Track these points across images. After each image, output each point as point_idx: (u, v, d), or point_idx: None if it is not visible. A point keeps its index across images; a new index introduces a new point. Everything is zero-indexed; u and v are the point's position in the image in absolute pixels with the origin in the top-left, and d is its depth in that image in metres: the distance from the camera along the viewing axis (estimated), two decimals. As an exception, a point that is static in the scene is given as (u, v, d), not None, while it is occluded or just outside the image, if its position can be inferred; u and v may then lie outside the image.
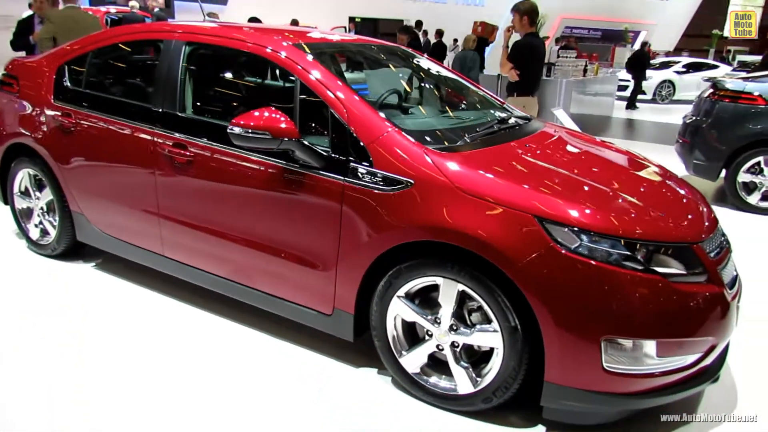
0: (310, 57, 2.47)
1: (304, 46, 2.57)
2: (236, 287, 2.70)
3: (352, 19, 22.22)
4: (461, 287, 2.07)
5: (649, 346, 1.92)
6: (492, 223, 1.97)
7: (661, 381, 1.99)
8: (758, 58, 16.62)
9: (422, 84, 3.01)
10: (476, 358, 2.20)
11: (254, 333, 2.75)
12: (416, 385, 2.27)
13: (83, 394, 2.26)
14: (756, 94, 5.00)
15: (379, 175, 2.17)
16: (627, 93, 14.49)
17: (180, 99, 2.70)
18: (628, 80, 14.70)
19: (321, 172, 2.27)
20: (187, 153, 2.62)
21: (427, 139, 2.27)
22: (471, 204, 2.01)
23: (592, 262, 1.88)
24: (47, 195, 3.37)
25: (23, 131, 3.31)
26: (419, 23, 15.86)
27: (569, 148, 2.73)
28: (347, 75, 2.65)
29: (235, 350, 2.61)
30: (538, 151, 2.50)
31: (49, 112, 3.18)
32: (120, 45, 3.12)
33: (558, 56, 10.38)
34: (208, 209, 2.65)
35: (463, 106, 2.99)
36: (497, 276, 1.98)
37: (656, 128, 10.82)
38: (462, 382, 2.16)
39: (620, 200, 2.14)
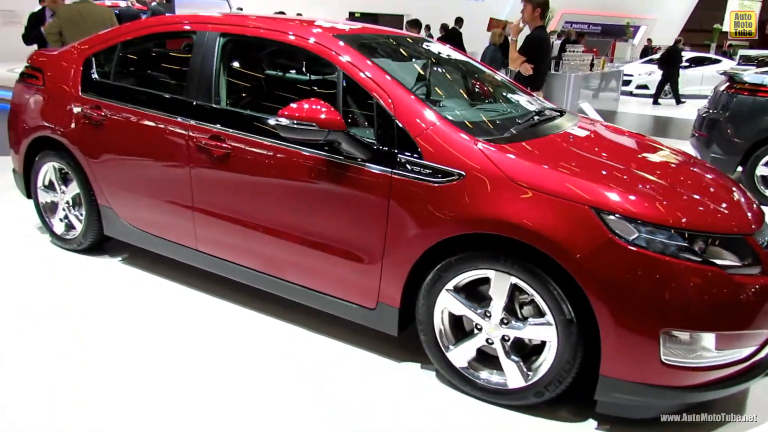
0: (352, 48, 2.44)
1: (346, 37, 2.54)
2: (272, 281, 2.67)
3: (352, 14, 22.15)
4: (514, 280, 2.05)
5: (708, 338, 1.90)
6: (548, 215, 1.95)
7: (717, 374, 1.98)
8: (762, 51, 16.65)
9: (457, 76, 2.98)
10: (526, 352, 2.18)
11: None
12: (464, 380, 2.25)
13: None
14: (774, 87, 4.99)
15: (428, 167, 2.14)
16: (629, 88, 14.52)
17: (218, 91, 2.67)
18: (631, 75, 14.72)
19: (367, 164, 2.24)
20: (226, 145, 2.58)
21: (475, 130, 2.24)
22: (525, 196, 1.99)
23: (651, 254, 1.86)
24: (74, 189, 3.32)
25: (49, 124, 3.26)
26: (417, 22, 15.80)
27: (610, 140, 2.71)
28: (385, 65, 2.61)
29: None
30: (583, 143, 2.48)
31: (76, 105, 3.14)
32: (151, 37, 3.07)
33: (564, 50, 10.39)
34: (246, 202, 2.61)
35: (497, 98, 2.96)
36: (552, 268, 1.97)
37: (665, 123, 10.82)
38: (512, 376, 2.15)
39: (674, 192, 2.12)
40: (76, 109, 3.13)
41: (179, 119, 2.74)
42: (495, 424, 2.14)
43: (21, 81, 3.51)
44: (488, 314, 2.15)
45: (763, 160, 5.06)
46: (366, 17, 22.42)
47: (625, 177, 2.13)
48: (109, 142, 3.05)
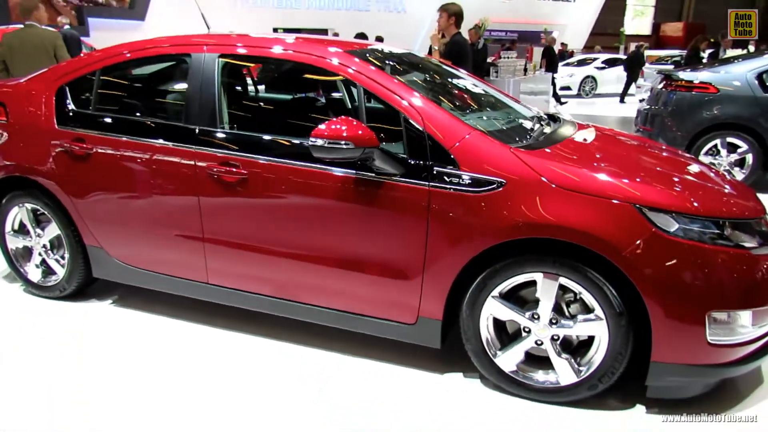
0: (372, 66, 2.43)
1: (361, 53, 2.52)
2: (296, 306, 2.59)
3: (276, 30, 21.98)
4: (562, 280, 2.10)
5: (746, 315, 2.04)
6: (593, 215, 2.02)
7: (751, 348, 2.12)
8: (662, 52, 18.15)
9: (460, 86, 3.03)
10: (572, 349, 2.24)
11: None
12: (514, 383, 2.28)
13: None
14: (708, 82, 5.45)
15: (466, 177, 2.16)
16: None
17: (225, 116, 2.56)
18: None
19: (402, 178, 2.24)
20: (242, 171, 2.48)
21: (504, 138, 2.30)
22: (569, 198, 2.06)
23: (690, 242, 1.99)
24: (53, 230, 3.06)
25: (20, 163, 2.99)
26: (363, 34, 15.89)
27: (618, 141, 2.85)
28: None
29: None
30: (598, 146, 2.60)
31: (53, 140, 2.90)
32: (136, 61, 2.89)
33: (500, 57, 10.85)
34: (268, 228, 2.52)
35: (497, 106, 3.04)
36: (598, 265, 2.04)
37: (602, 120, 11.52)
38: (564, 373, 2.20)
39: (695, 184, 2.27)
40: (53, 144, 2.89)
41: (183, 147, 2.60)
42: (594, 411, 2.22)
43: (-22, 118, 3.20)
44: (536, 316, 2.19)
45: (704, 150, 5.50)
46: (289, 32, 22.21)
47: (651, 174, 2.26)
48: (96, 177, 2.84)
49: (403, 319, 2.39)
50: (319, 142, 2.15)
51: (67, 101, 2.93)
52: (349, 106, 2.36)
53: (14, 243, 3.20)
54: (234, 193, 2.53)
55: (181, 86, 2.75)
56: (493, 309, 2.24)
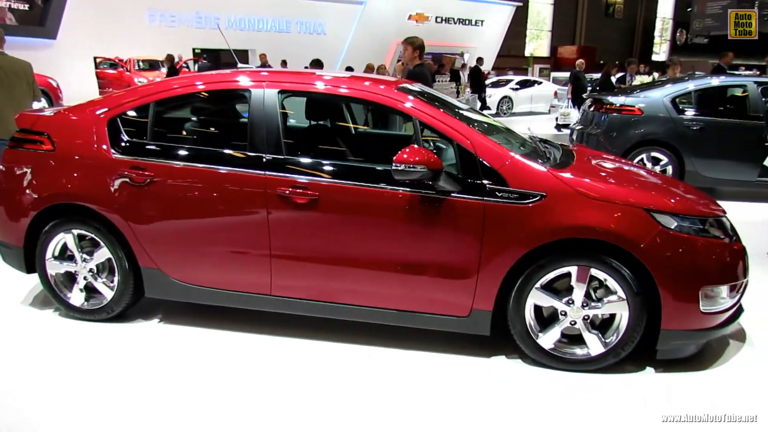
0: (422, 100, 2.90)
1: (414, 91, 2.98)
2: (359, 310, 2.96)
3: (195, 51, 21.63)
4: (593, 271, 2.67)
5: (725, 289, 2.71)
6: (617, 218, 2.62)
7: (725, 315, 2.79)
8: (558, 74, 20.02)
9: (480, 118, 3.52)
10: (597, 326, 2.81)
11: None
12: (553, 358, 2.81)
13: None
14: (633, 105, 6.44)
15: (515, 192, 2.68)
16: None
17: (294, 144, 2.90)
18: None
19: (461, 195, 2.71)
20: (312, 192, 2.82)
21: (536, 159, 2.85)
22: (596, 206, 2.64)
23: (685, 236, 2.63)
24: (102, 255, 3.19)
25: (70, 191, 3.12)
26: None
27: (606, 160, 3.47)
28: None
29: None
30: (598, 164, 3.23)
31: (109, 167, 3.07)
32: (192, 95, 3.15)
33: (434, 80, 11.63)
34: (337, 242, 2.86)
35: (499, 131, 3.55)
36: (618, 257, 2.63)
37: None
38: (594, 345, 2.76)
39: (678, 192, 2.94)
40: (110, 172, 3.06)
41: (253, 172, 2.89)
42: (613, 375, 2.70)
43: (15, 147, 3.27)
44: (571, 301, 2.74)
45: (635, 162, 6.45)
46: (207, 52, 21.96)
47: (646, 185, 2.90)
48: (157, 203, 3.04)
49: (458, 312, 2.85)
50: (401, 166, 2.58)
51: (122, 131, 3.12)
52: (410, 135, 2.79)
53: (55, 269, 3.28)
54: (304, 212, 2.86)
55: (232, 117, 3.04)
56: (536, 298, 2.76)
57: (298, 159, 2.91)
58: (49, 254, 3.27)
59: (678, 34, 35.38)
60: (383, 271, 2.86)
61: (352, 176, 2.82)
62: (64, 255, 3.29)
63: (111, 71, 17.46)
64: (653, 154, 6.35)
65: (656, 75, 13.69)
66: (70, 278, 3.31)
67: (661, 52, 36.85)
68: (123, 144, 3.10)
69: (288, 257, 2.95)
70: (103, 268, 3.26)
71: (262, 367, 2.88)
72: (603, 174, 3.02)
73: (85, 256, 3.24)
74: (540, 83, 17.44)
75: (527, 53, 31.18)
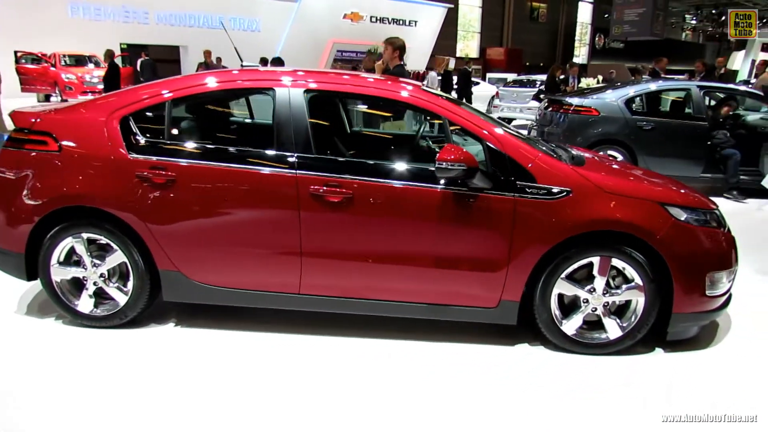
0: (451, 102, 3.00)
1: (435, 93, 3.08)
2: (388, 305, 3.02)
3: (122, 45, 20.53)
4: (614, 261, 2.89)
5: (725, 274, 3.02)
6: (636, 211, 2.85)
7: (723, 299, 3.11)
8: (501, 75, 20.82)
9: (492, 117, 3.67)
10: (614, 311, 3.03)
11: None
12: (576, 344, 3.01)
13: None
14: (591, 107, 6.87)
15: (543, 188, 2.85)
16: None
17: (323, 142, 2.92)
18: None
19: (491, 191, 2.84)
20: (346, 191, 2.85)
21: (561, 158, 3.03)
22: (617, 200, 2.86)
23: (692, 227, 2.91)
24: (116, 258, 3.06)
25: (80, 193, 2.96)
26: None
27: (608, 159, 3.74)
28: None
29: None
30: (605, 162, 3.47)
31: (124, 168, 2.94)
32: (211, 93, 3.08)
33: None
34: (371, 239, 2.91)
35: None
36: (636, 247, 2.86)
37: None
38: (612, 329, 2.98)
39: (676, 186, 3.22)
40: (126, 173, 2.94)
41: (282, 171, 2.88)
42: (625, 357, 2.90)
43: (14, 148, 3.06)
44: (593, 290, 2.95)
45: (591, 160, 6.89)
46: (133, 48, 20.75)
47: (652, 181, 3.17)
48: (180, 204, 2.95)
49: (487, 304, 2.98)
50: (444, 165, 2.67)
51: (136, 130, 3.00)
52: (441, 135, 2.89)
53: (61, 275, 3.11)
54: (337, 211, 2.89)
55: (256, 117, 3.02)
56: (561, 288, 2.94)
57: (329, 158, 2.93)
58: (54, 260, 3.09)
59: (597, 39, 37.74)
60: (416, 266, 2.94)
61: (385, 174, 2.88)
62: (71, 260, 3.12)
63: (34, 66, 16.22)
64: (609, 152, 6.80)
65: (600, 78, 14.46)
66: (77, 284, 3.15)
67: (581, 54, 39.06)
68: (139, 144, 2.99)
69: (320, 255, 2.96)
70: (115, 272, 3.13)
71: (284, 364, 2.86)
72: (614, 171, 3.26)
73: (95, 260, 3.09)
74: (477, 83, 17.99)
75: (458, 54, 32.07)
